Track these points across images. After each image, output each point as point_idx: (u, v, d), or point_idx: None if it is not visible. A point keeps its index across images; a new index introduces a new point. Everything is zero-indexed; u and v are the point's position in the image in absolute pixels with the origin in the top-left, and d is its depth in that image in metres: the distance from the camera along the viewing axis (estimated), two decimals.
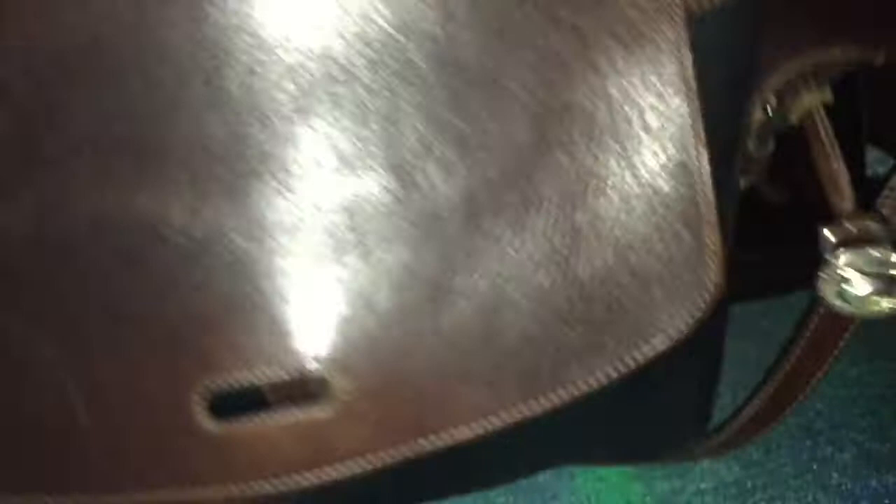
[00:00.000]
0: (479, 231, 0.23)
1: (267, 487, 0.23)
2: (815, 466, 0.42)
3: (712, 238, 0.24)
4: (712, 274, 0.24)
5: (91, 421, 0.22)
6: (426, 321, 0.23)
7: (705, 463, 0.42)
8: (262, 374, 0.23)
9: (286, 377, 0.23)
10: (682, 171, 0.23)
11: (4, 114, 0.22)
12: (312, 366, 0.23)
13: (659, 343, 0.24)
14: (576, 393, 0.24)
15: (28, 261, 0.23)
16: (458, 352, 0.24)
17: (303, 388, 0.23)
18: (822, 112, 0.30)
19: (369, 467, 0.24)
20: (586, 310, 0.24)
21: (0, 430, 0.23)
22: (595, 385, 0.24)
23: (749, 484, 0.41)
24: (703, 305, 0.24)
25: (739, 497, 0.41)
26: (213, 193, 0.22)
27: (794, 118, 0.30)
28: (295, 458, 0.23)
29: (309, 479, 0.23)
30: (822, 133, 0.30)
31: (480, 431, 0.24)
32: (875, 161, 0.66)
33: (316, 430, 0.23)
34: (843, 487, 0.40)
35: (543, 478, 0.40)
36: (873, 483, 0.40)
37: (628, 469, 0.41)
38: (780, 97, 0.30)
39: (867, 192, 0.61)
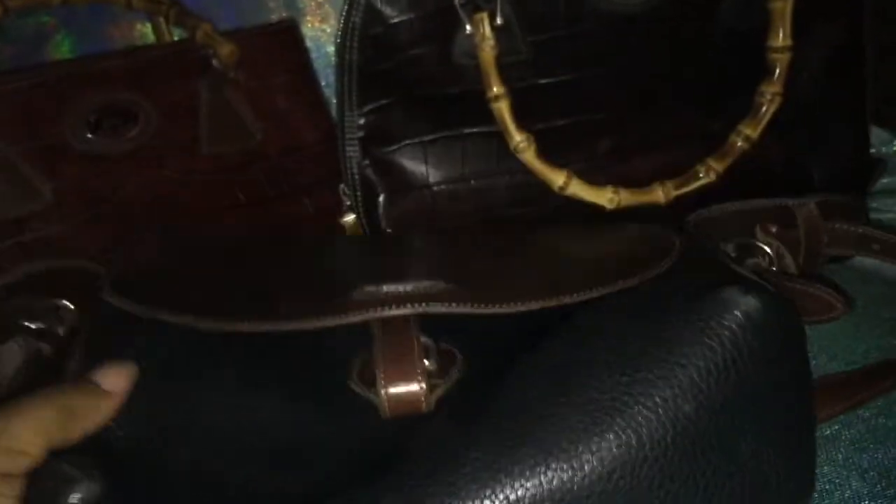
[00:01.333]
0: None
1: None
2: (822, 443, 0.42)
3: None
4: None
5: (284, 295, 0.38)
6: None
7: None
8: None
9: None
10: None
11: None
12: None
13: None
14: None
15: None
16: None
17: None
18: None
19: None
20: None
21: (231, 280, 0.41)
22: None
23: None
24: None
25: None
26: None
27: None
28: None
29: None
30: None
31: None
32: (881, 142, 0.67)
33: None
34: (851, 461, 0.41)
35: None
36: (879, 455, 0.41)
37: None
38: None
39: (870, 173, 0.62)
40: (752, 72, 0.53)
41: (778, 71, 0.53)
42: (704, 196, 0.54)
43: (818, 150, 0.57)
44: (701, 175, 0.54)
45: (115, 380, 0.36)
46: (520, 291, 0.36)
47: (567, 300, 0.36)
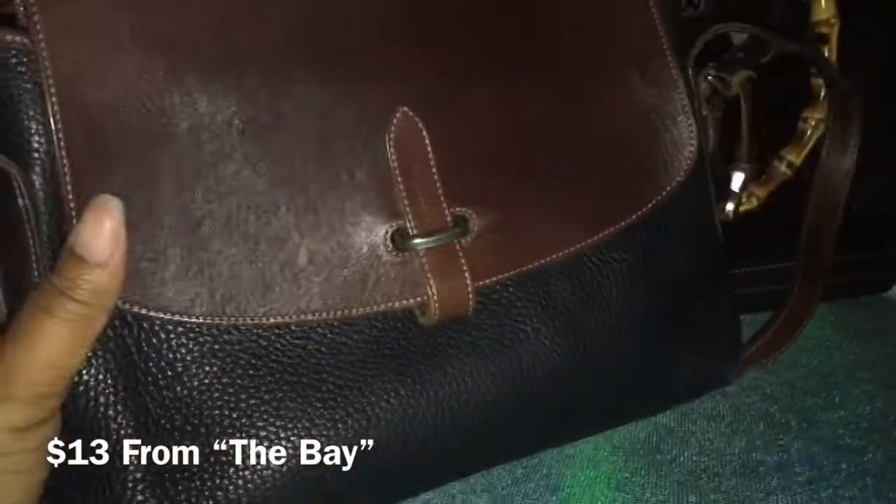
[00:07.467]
0: None
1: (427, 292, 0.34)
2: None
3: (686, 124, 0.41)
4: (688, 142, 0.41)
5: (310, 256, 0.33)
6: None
7: None
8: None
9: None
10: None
11: None
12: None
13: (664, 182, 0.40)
14: (620, 225, 0.39)
15: None
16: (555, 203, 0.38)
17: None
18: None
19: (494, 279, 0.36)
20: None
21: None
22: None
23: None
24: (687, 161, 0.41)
25: None
26: None
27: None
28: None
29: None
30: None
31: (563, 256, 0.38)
32: None
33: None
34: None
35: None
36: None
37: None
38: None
39: None
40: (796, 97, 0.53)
41: (822, 96, 0.52)
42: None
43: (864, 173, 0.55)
44: (743, 201, 0.54)
45: (101, 243, 0.28)
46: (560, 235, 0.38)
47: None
